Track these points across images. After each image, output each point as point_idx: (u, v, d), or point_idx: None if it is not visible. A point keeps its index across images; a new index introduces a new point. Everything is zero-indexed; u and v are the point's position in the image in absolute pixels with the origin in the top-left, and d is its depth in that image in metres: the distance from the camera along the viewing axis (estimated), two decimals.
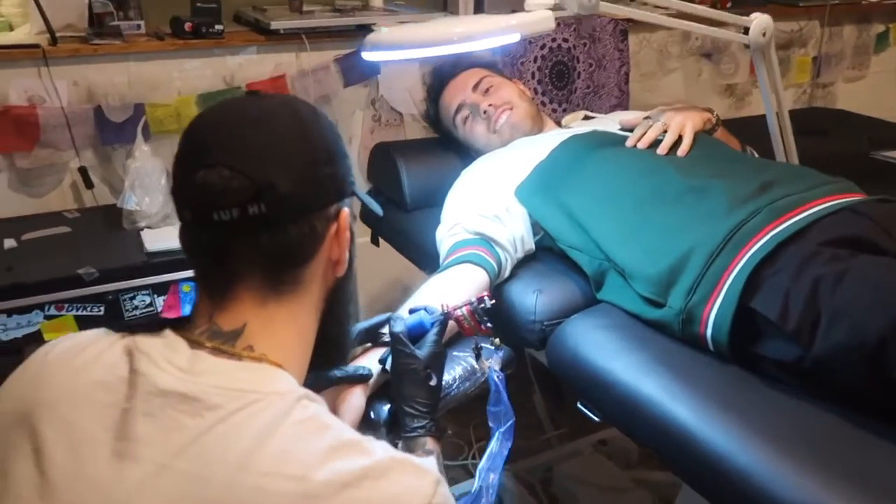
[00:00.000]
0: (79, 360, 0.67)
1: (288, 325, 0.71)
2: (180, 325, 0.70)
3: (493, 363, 0.97)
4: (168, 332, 0.69)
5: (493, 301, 0.97)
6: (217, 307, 0.69)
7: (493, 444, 0.92)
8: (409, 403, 0.89)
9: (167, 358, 0.66)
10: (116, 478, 0.61)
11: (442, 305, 0.95)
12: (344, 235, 0.74)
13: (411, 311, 0.97)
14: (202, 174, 0.66)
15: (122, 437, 0.62)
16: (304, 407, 0.65)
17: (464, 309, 0.96)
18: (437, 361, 0.92)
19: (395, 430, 0.94)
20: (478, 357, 0.99)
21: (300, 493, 0.59)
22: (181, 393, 0.63)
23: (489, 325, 0.98)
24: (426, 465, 0.65)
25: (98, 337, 0.71)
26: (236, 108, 0.72)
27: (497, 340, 0.99)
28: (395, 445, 0.96)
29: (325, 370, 0.82)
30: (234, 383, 0.64)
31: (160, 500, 0.60)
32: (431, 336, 0.93)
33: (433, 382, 0.90)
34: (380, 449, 0.65)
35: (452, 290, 1.10)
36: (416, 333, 0.94)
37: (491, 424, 0.95)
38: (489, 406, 0.96)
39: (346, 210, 0.75)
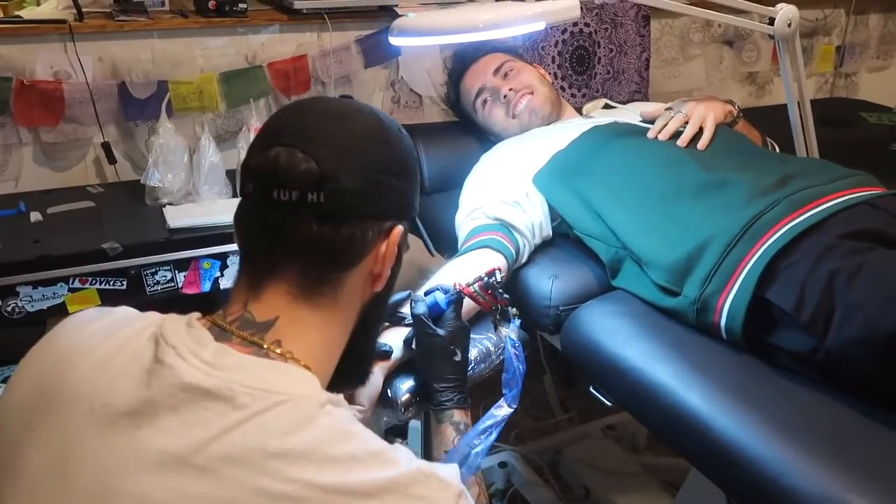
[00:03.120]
0: (107, 346, 0.67)
1: (318, 329, 0.71)
2: (212, 309, 0.70)
3: (509, 332, 0.99)
4: (194, 321, 0.68)
5: (504, 274, 0.98)
6: (253, 294, 0.70)
7: (494, 409, 0.94)
8: (436, 379, 0.93)
9: (192, 351, 0.64)
10: (132, 466, 0.60)
11: (455, 284, 0.98)
12: (391, 251, 0.74)
13: (426, 293, 0.99)
14: (275, 151, 0.68)
15: (143, 426, 0.62)
16: (327, 413, 0.63)
17: (475, 285, 0.99)
18: (460, 336, 0.95)
19: (422, 404, 0.97)
20: (496, 327, 1.02)
21: (315, 500, 0.58)
22: (205, 389, 0.62)
23: (505, 296, 1.01)
24: (449, 477, 0.64)
25: (126, 320, 0.70)
26: (326, 102, 0.76)
27: (514, 310, 1.01)
28: (421, 416, 1.00)
29: (344, 387, 0.80)
30: (259, 382, 0.63)
31: (171, 493, 0.59)
32: (449, 314, 0.96)
33: (458, 357, 0.93)
34: (404, 460, 0.63)
35: (470, 273, 1.12)
36: (434, 313, 0.97)
37: (503, 391, 0.97)
38: (504, 373, 0.98)
39: (400, 228, 0.75)
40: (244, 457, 0.59)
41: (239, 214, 0.72)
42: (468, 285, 0.99)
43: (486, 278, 1.00)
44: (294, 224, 0.68)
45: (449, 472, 0.65)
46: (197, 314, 0.70)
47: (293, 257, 0.69)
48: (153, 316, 0.70)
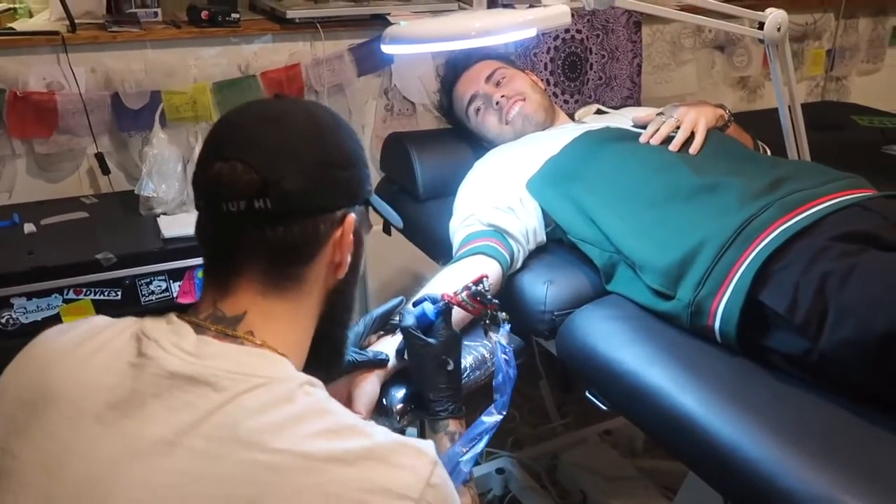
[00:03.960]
0: (87, 347, 0.69)
1: (287, 318, 0.73)
2: (186, 310, 0.73)
3: (500, 337, 1.00)
4: (174, 318, 0.71)
5: (492, 280, 0.99)
6: (221, 294, 0.72)
7: (483, 416, 0.94)
8: (430, 389, 0.93)
9: (174, 343, 0.68)
10: (125, 456, 0.63)
11: (443, 295, 0.98)
12: (347, 240, 0.76)
13: (415, 304, 0.99)
14: (217, 166, 0.70)
15: (130, 416, 0.64)
16: (306, 393, 0.67)
17: (463, 294, 1.00)
18: (452, 345, 0.95)
19: (417, 412, 0.97)
20: (486, 333, 1.02)
21: (299, 468, 0.61)
22: (189, 375, 0.65)
23: (494, 301, 1.01)
24: (425, 447, 0.67)
25: (105, 325, 0.73)
26: (258, 107, 0.77)
27: (504, 315, 1.02)
28: (417, 426, 0.99)
29: (320, 372, 0.82)
30: (239, 367, 0.67)
31: (166, 476, 0.62)
32: (439, 324, 0.96)
33: (450, 367, 0.93)
34: (380, 432, 0.67)
35: (462, 280, 1.12)
36: (424, 323, 0.97)
37: (495, 396, 0.97)
38: (494, 379, 0.99)
39: (352, 216, 0.76)
40: (229, 434, 0.63)
41: (198, 228, 0.75)
42: (455, 294, 0.99)
43: (472, 286, 1.00)
44: (247, 231, 0.71)
45: (424, 443, 0.68)
46: (174, 313, 0.72)
47: (253, 261, 0.72)
48: (131, 318, 0.73)
